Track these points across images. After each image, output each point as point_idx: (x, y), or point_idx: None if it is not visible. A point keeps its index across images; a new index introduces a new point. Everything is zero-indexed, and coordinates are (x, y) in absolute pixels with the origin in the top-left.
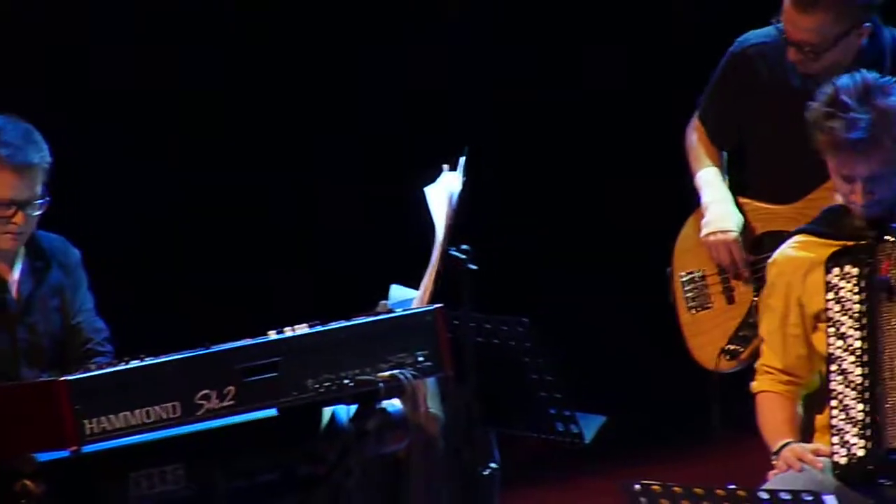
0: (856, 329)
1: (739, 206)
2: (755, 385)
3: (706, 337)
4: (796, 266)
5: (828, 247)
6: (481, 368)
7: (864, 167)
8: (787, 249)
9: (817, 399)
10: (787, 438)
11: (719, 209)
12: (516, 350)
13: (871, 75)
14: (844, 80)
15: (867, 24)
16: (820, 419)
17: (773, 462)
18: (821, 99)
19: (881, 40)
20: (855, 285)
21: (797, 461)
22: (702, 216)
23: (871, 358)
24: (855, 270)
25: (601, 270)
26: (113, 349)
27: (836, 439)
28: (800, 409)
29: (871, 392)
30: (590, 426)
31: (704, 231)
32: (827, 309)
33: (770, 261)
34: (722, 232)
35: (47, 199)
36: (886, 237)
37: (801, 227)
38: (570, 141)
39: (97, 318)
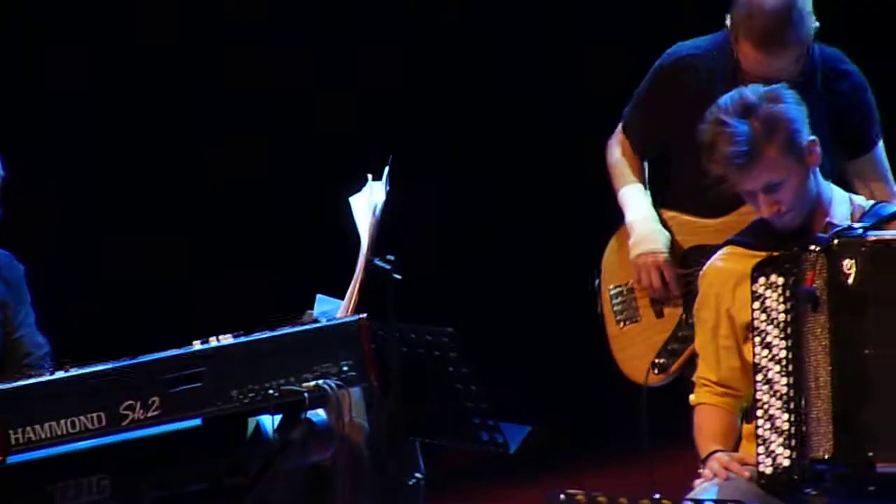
0: (781, 338)
1: (665, 220)
2: (693, 398)
3: (634, 350)
4: (725, 278)
5: (755, 258)
6: (406, 378)
7: (755, 180)
8: (716, 261)
9: (746, 407)
10: (716, 447)
11: (645, 228)
12: (441, 360)
13: (753, 89)
14: (724, 98)
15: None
16: (747, 427)
17: (700, 471)
18: (708, 118)
19: (813, 59)
20: (780, 295)
21: (723, 470)
22: (628, 232)
23: (797, 368)
24: (780, 280)
25: (529, 279)
26: (52, 364)
27: (761, 449)
28: (738, 422)
29: (797, 402)
30: (514, 436)
31: (633, 252)
32: (753, 318)
33: (701, 273)
34: (652, 253)
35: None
36: (811, 247)
37: (729, 239)
38: (497, 149)
39: (38, 332)
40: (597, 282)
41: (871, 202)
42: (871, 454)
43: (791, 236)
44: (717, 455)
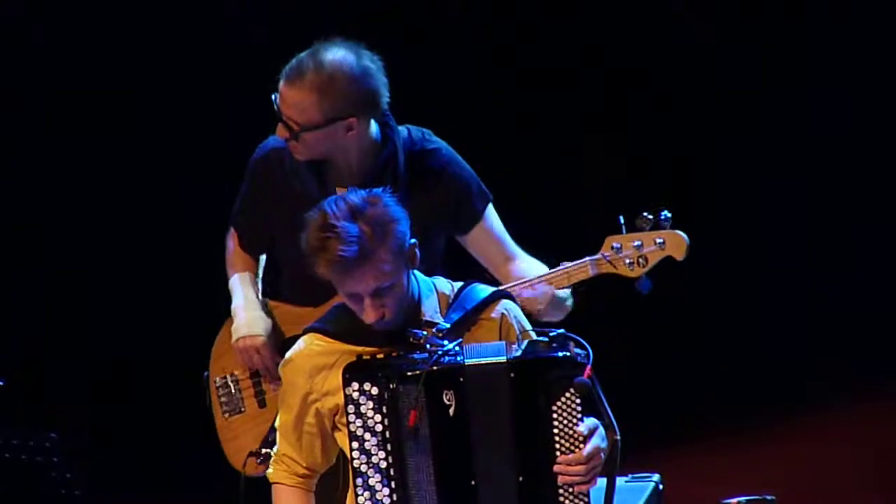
0: (380, 448)
1: (271, 310)
2: (271, 473)
3: (240, 441)
4: (310, 366)
5: (339, 347)
6: (9, 485)
7: (365, 284)
8: (299, 349)
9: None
10: None
11: (247, 315)
12: (43, 465)
13: (356, 193)
14: (329, 201)
15: (355, 119)
16: None
17: None
18: (311, 224)
19: (395, 141)
20: (376, 405)
21: None
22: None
23: (399, 482)
24: (375, 390)
25: (136, 375)
26: None
27: None
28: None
29: None
30: None
31: (234, 337)
32: (348, 422)
33: (284, 360)
34: (251, 337)
35: None
36: (409, 372)
37: (310, 326)
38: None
39: None
40: (205, 374)
41: (458, 286)
42: None
43: (376, 332)
44: None
